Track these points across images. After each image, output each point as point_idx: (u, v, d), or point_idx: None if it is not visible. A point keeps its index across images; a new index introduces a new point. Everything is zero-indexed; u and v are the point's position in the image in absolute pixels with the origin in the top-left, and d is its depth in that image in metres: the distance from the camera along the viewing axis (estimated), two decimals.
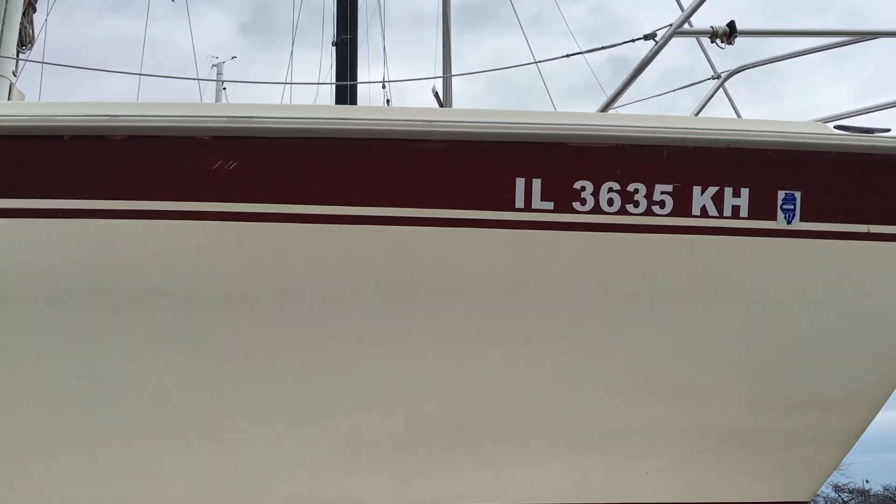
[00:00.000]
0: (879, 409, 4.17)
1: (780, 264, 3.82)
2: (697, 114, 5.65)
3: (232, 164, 3.46)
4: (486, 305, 3.65)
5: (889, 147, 3.86)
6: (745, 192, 3.74)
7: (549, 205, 3.61)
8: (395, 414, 3.68)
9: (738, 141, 3.74)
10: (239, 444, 3.64)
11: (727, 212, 3.73)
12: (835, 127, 3.96)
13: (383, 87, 13.26)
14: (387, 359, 3.64)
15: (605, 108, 3.93)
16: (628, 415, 3.81)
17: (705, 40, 4.30)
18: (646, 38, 3.92)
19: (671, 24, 3.92)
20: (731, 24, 4.00)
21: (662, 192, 3.68)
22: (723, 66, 5.10)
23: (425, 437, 3.71)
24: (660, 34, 3.90)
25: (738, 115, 5.03)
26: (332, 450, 3.68)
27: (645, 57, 3.93)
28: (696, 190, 3.71)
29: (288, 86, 10.23)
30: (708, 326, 3.81)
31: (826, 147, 3.82)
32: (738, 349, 3.84)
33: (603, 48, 4.36)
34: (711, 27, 3.98)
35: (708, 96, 5.94)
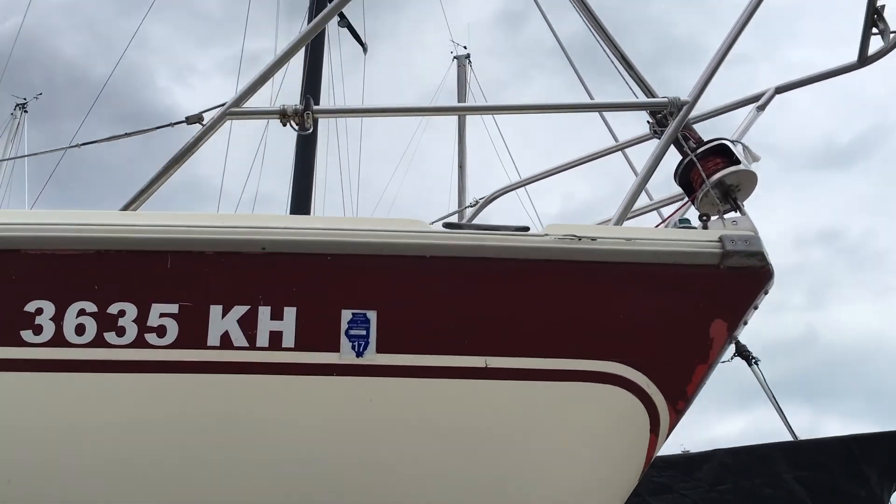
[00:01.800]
0: None
1: (350, 414, 2.71)
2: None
3: None
4: None
5: (504, 248, 2.84)
6: (289, 312, 2.70)
7: None
8: None
9: (276, 242, 2.74)
10: None
11: (262, 341, 2.67)
12: (444, 225, 2.95)
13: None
14: None
15: (127, 207, 2.94)
16: None
17: None
18: (189, 121, 3.03)
19: (224, 104, 3.03)
20: (308, 102, 3.10)
21: (163, 315, 2.64)
22: None
23: None
24: (208, 116, 3.00)
25: None
26: None
27: (188, 142, 3.00)
28: (215, 311, 2.66)
29: None
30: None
31: (410, 249, 2.80)
32: None
33: (139, 132, 3.48)
34: (283, 106, 3.07)
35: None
